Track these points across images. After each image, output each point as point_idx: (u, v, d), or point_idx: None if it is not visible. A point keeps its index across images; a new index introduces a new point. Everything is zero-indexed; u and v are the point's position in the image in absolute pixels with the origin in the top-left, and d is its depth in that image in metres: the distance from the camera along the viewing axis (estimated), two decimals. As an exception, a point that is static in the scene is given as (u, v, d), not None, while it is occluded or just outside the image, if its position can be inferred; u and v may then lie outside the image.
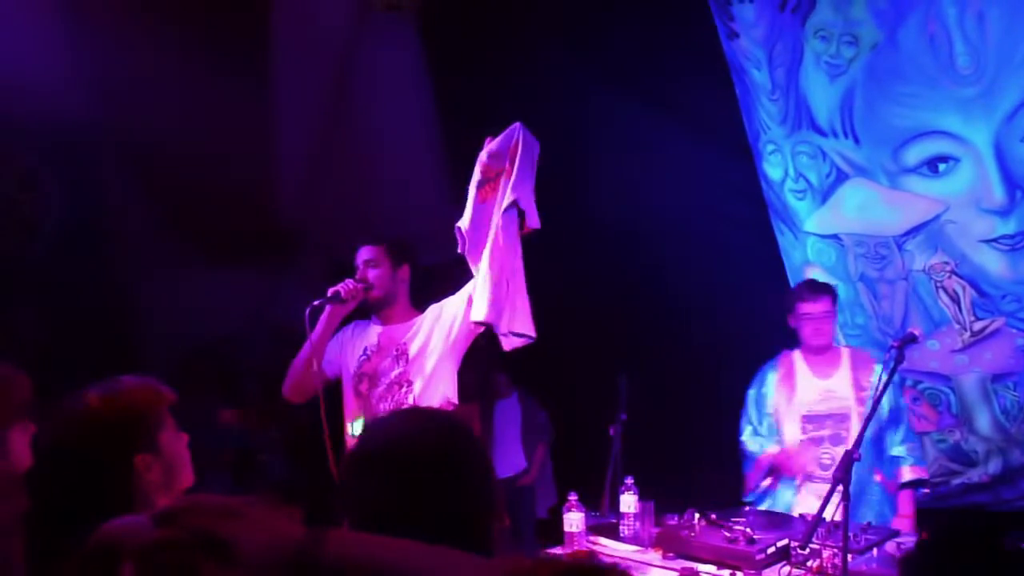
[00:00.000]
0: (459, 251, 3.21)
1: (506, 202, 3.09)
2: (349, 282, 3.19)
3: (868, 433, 3.05)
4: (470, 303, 3.18)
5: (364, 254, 3.27)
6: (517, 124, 3.14)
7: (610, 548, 3.36)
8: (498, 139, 3.16)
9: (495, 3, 4.93)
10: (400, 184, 5.54)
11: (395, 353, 3.24)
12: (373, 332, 3.32)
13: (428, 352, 3.20)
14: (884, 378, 3.07)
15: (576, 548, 3.35)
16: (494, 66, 4.98)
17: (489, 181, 3.15)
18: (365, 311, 3.37)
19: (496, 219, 3.11)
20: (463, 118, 5.32)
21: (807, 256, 4.33)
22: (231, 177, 4.81)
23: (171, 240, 4.97)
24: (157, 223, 4.95)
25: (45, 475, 1.62)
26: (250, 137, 5.09)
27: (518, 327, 3.12)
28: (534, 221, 3.16)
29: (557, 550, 3.42)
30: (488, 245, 3.12)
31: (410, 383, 3.20)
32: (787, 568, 2.91)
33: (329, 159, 5.61)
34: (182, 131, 4.53)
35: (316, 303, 3.14)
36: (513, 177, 3.09)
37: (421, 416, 1.52)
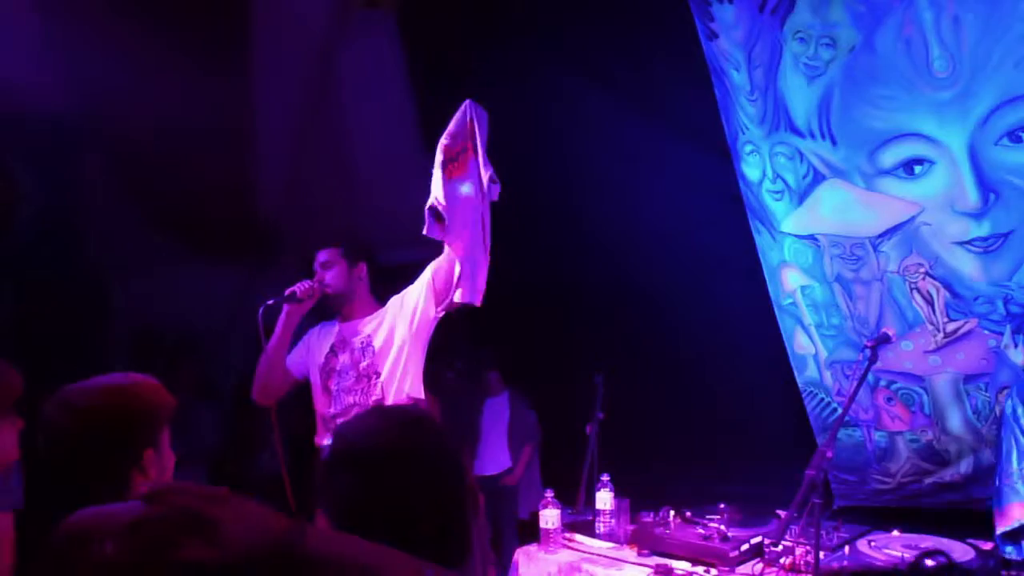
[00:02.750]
0: (424, 232, 3.27)
1: (486, 179, 3.21)
2: (305, 282, 3.30)
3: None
4: (431, 293, 3.26)
5: (320, 257, 3.39)
6: (467, 101, 3.26)
7: (586, 545, 3.38)
8: (454, 119, 3.26)
9: (475, 2, 4.93)
10: (380, 181, 5.52)
11: (360, 346, 3.32)
12: (337, 329, 3.42)
13: (393, 342, 3.28)
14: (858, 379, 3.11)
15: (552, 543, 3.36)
16: (473, 64, 4.98)
17: (452, 160, 3.25)
18: (330, 314, 3.43)
19: (478, 199, 3.23)
20: (443, 116, 5.31)
21: (784, 256, 4.36)
22: (209, 172, 4.78)
23: (148, 235, 4.93)
24: (134, 218, 4.91)
25: (55, 462, 1.63)
26: (229, 133, 5.06)
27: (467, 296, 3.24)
28: (495, 194, 3.31)
29: (534, 547, 3.43)
30: (468, 226, 3.22)
31: (378, 374, 3.26)
32: (760, 565, 2.94)
33: (309, 156, 5.58)
34: (160, 125, 4.49)
35: (270, 302, 3.25)
36: (481, 154, 3.21)
37: (390, 414, 1.54)
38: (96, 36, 4.29)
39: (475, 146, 3.22)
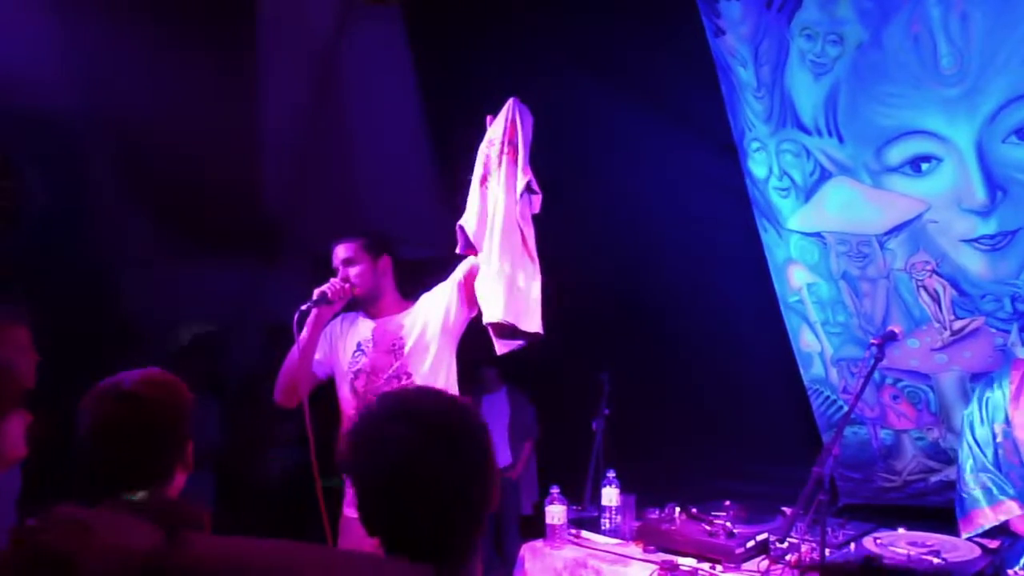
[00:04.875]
0: (458, 251, 3.11)
1: (520, 186, 2.96)
2: (335, 282, 3.11)
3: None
4: (463, 293, 3.12)
5: (341, 252, 3.19)
6: (511, 99, 3.01)
7: (592, 541, 3.38)
8: (495, 121, 3.05)
9: (481, -1, 4.93)
10: (387, 178, 5.53)
11: (391, 347, 3.16)
12: (365, 327, 3.23)
13: (426, 343, 3.14)
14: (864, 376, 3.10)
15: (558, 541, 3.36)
16: (480, 60, 4.97)
17: (491, 174, 3.04)
18: (350, 305, 3.31)
19: (510, 207, 2.97)
20: (450, 112, 5.32)
21: (790, 254, 4.35)
22: (215, 170, 4.79)
23: (154, 233, 4.95)
24: (140, 216, 4.93)
25: (98, 451, 1.65)
26: (235, 130, 5.07)
27: (528, 325, 2.99)
28: (537, 205, 3.08)
29: (539, 543, 3.43)
30: (497, 237, 2.96)
31: (409, 375, 3.12)
32: (766, 562, 2.93)
33: (315, 153, 5.59)
34: (166, 123, 4.50)
35: (304, 307, 3.05)
36: (522, 158, 2.98)
37: (437, 393, 1.53)
38: (104, 36, 4.30)
39: (516, 148, 2.98)
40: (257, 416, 5.26)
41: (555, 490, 3.43)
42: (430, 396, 1.50)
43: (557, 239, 5.19)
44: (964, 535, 3.18)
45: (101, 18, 4.29)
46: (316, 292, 3.08)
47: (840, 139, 3.91)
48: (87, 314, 4.64)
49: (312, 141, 5.56)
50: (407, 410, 1.41)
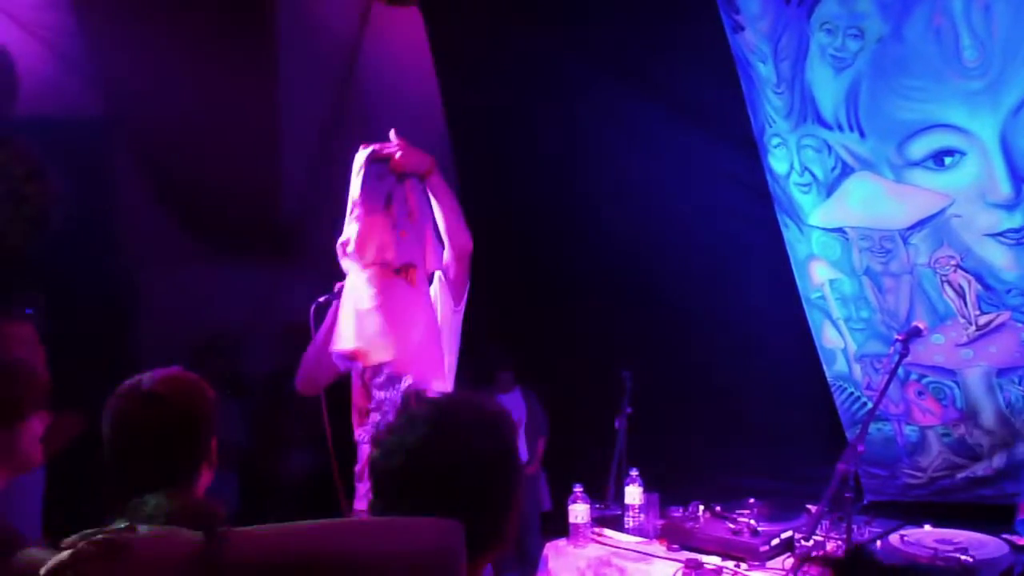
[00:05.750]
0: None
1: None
2: None
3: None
4: (445, 288, 3.21)
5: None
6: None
7: (615, 539, 3.37)
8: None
9: (500, -1, 4.93)
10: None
11: None
12: None
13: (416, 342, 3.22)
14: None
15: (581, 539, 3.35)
16: (499, 60, 4.98)
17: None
18: None
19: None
20: (469, 112, 5.33)
21: (812, 250, 4.32)
22: (236, 173, 4.83)
23: (177, 235, 4.99)
24: (163, 218, 4.97)
25: (133, 453, 1.66)
26: (256, 132, 5.11)
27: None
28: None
29: (563, 542, 3.43)
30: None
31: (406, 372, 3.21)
32: (791, 560, 2.92)
33: (334, 155, 5.61)
34: (188, 127, 4.55)
35: (321, 300, 3.21)
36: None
37: (471, 397, 1.53)
38: (127, 41, 4.35)
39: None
40: (278, 415, 5.30)
41: (578, 489, 3.43)
42: (456, 399, 1.54)
43: (578, 238, 5.20)
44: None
45: (125, 24, 4.34)
46: (337, 286, 3.21)
47: (861, 134, 3.88)
48: (111, 316, 4.69)
49: (331, 144, 5.58)
50: (434, 410, 1.43)
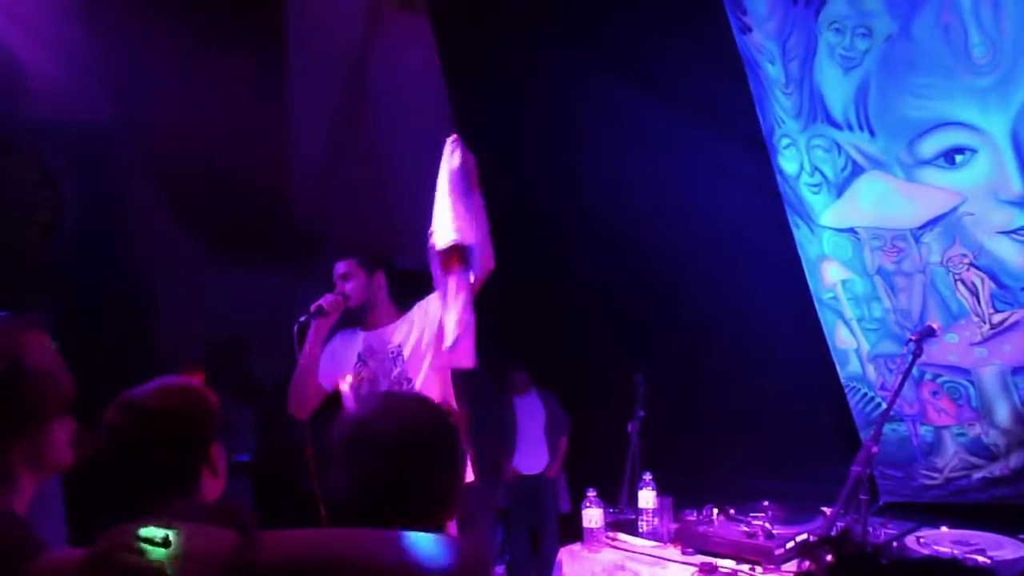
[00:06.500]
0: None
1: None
2: (329, 296, 3.37)
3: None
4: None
5: (339, 269, 3.47)
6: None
7: (629, 543, 3.37)
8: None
9: (509, 3, 4.94)
10: (416, 184, 5.55)
11: (391, 355, 3.38)
12: (362, 339, 3.47)
13: (423, 350, 3.34)
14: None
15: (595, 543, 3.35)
16: (508, 65, 4.98)
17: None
18: (351, 321, 3.51)
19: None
20: (478, 118, 5.33)
21: (823, 250, 4.31)
22: (248, 178, 4.84)
23: (187, 240, 5.01)
24: (174, 224, 5.00)
25: (124, 465, 1.67)
26: (267, 138, 5.13)
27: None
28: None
29: (577, 546, 3.43)
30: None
31: (409, 380, 3.32)
32: (808, 562, 2.90)
33: (344, 160, 5.63)
34: (199, 133, 4.57)
35: (302, 319, 3.33)
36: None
37: (415, 401, 1.65)
38: (138, 48, 4.37)
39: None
40: (292, 423, 5.30)
41: (592, 493, 3.43)
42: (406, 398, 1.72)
43: (588, 241, 5.20)
44: None
45: (135, 29, 4.36)
46: (313, 306, 3.34)
47: (871, 133, 3.87)
48: (123, 321, 4.72)
49: (342, 148, 5.60)
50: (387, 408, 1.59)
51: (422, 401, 1.67)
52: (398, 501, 1.46)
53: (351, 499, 1.48)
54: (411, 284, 3.59)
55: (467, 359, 3.21)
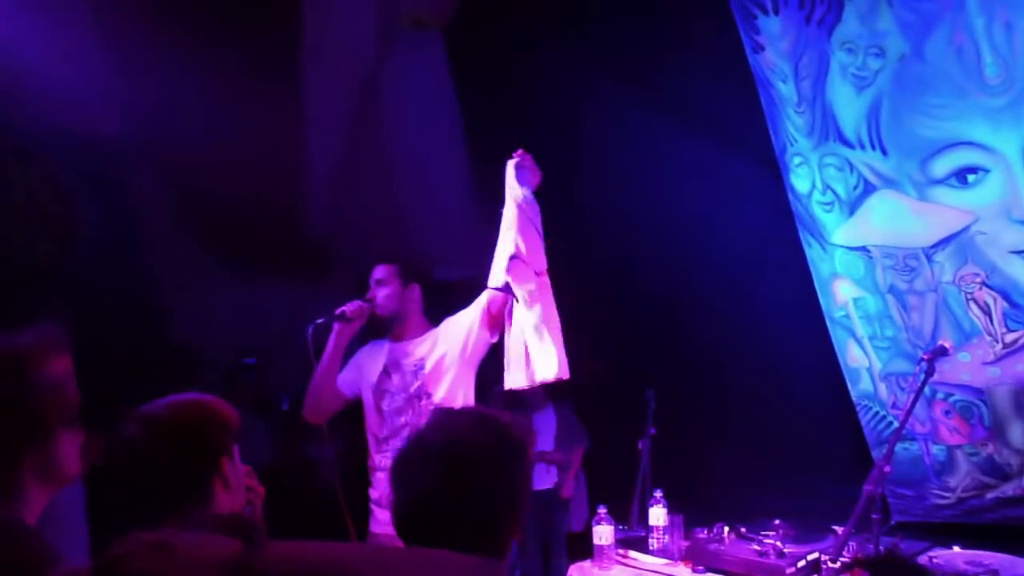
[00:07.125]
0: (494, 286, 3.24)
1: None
2: (355, 302, 3.33)
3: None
4: (485, 319, 3.25)
5: (377, 273, 3.40)
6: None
7: (640, 561, 3.36)
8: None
9: (523, 21, 4.97)
10: (427, 199, 5.58)
11: (413, 368, 3.32)
12: (388, 349, 3.42)
13: (445, 366, 3.29)
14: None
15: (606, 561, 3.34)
16: (521, 83, 5.01)
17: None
18: (378, 332, 3.47)
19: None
20: (490, 134, 5.36)
21: (835, 268, 4.31)
22: (262, 191, 4.87)
23: (202, 253, 5.04)
24: (189, 236, 5.03)
25: (139, 477, 1.69)
26: (281, 152, 5.16)
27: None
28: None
29: (587, 564, 3.42)
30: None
31: (428, 395, 3.27)
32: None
33: (358, 174, 5.66)
34: (213, 147, 4.59)
35: (319, 321, 3.28)
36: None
37: (484, 418, 1.58)
38: (151, 61, 4.41)
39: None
40: (305, 435, 5.31)
41: (602, 510, 3.43)
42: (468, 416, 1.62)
43: (601, 257, 5.21)
44: None
45: (149, 43, 4.40)
46: (337, 310, 3.29)
47: (884, 152, 3.87)
48: (138, 337, 4.74)
49: (354, 163, 5.63)
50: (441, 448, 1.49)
51: (479, 414, 1.60)
52: (446, 520, 1.41)
53: (401, 517, 1.46)
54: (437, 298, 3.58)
55: (565, 371, 3.16)
